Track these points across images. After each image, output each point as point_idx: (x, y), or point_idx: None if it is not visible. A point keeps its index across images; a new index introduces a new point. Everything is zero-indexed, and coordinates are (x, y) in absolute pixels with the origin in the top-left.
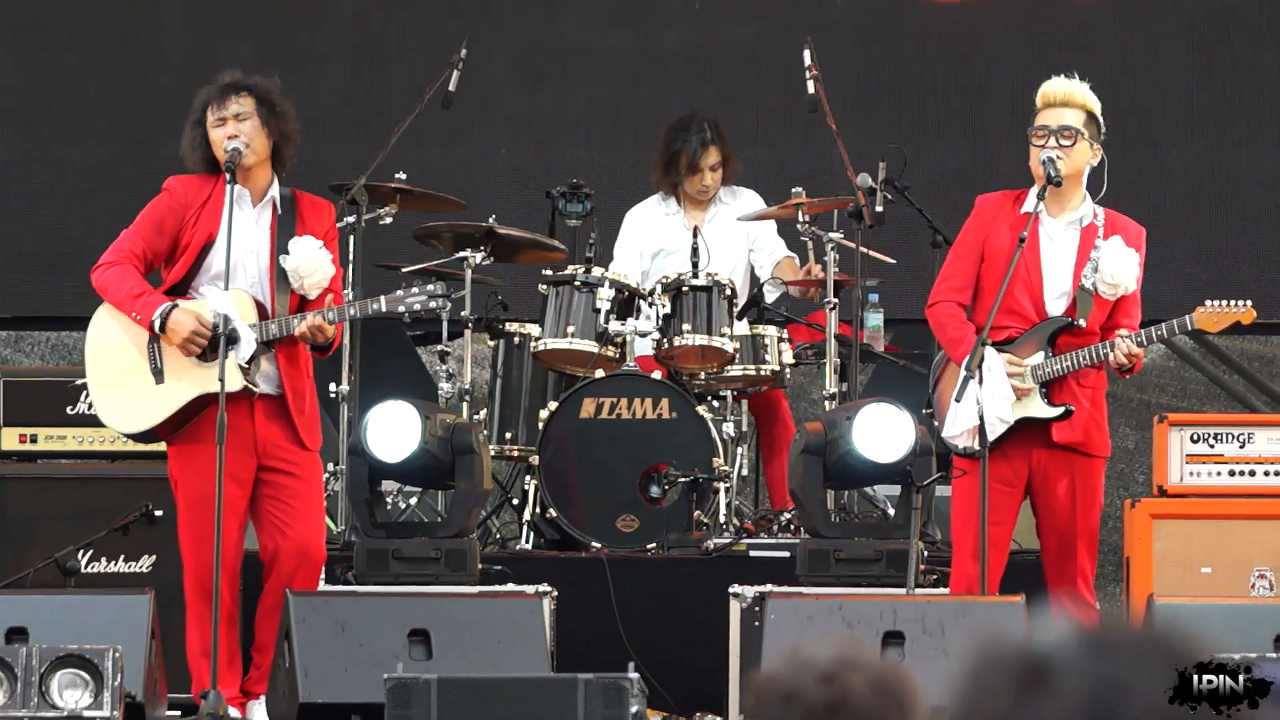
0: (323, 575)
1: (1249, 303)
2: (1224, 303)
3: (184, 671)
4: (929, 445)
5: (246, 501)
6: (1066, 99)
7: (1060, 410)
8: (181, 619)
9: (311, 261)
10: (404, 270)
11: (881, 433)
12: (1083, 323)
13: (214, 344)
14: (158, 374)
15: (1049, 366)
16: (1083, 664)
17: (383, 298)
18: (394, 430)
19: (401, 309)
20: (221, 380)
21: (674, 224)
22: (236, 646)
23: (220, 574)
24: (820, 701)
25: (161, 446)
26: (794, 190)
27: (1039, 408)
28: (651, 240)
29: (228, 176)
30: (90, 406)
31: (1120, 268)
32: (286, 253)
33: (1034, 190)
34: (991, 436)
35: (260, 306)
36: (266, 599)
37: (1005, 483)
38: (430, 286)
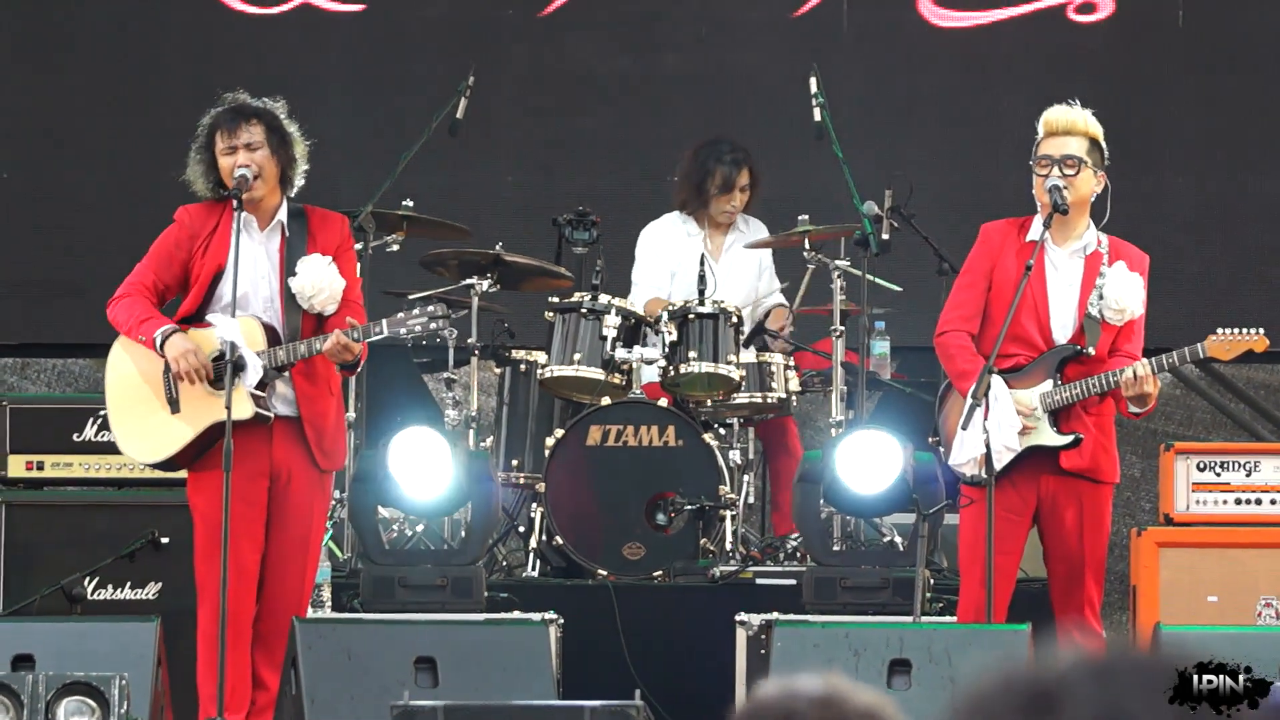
0: (329, 602)
1: (1261, 330)
2: (1236, 331)
3: (190, 698)
4: (934, 473)
5: (262, 526)
6: (1069, 127)
7: (1070, 439)
8: (188, 646)
9: (317, 281)
10: (411, 297)
11: (866, 462)
12: (1091, 351)
13: (221, 374)
14: (173, 404)
15: (1057, 395)
16: (1088, 692)
17: (384, 321)
18: (422, 459)
19: (403, 331)
20: (228, 408)
21: (695, 245)
22: (248, 670)
23: (239, 599)
24: None
25: (169, 474)
26: (800, 218)
27: (1048, 436)
28: (670, 260)
29: (235, 204)
30: (98, 434)
31: (1126, 293)
32: (295, 274)
33: (1039, 218)
34: (998, 465)
35: (271, 331)
36: (262, 626)
37: (1013, 511)
38: (431, 308)
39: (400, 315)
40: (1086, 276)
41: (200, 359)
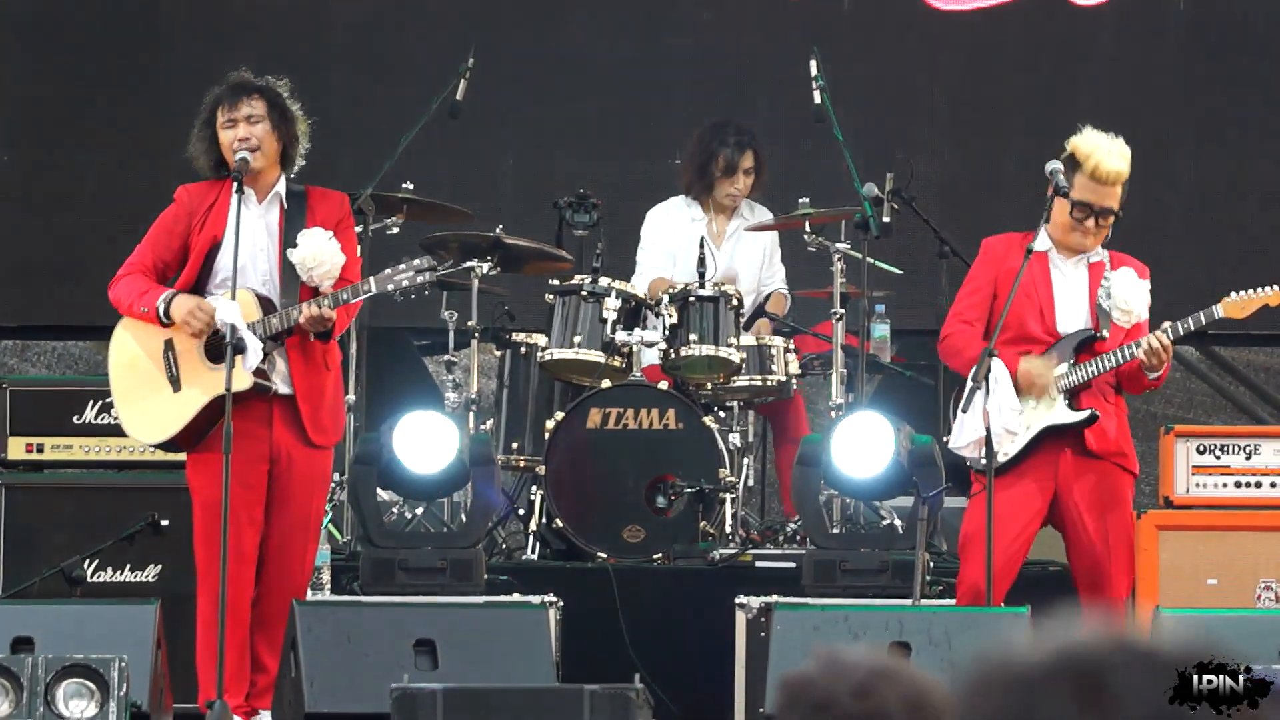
0: (328, 585)
1: (1276, 286)
2: (1249, 290)
3: (190, 681)
4: (931, 456)
5: (261, 509)
6: (1117, 178)
7: (1085, 414)
8: (188, 629)
9: (319, 253)
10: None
11: (861, 445)
12: (1105, 334)
13: (221, 350)
14: (174, 383)
15: (1073, 375)
16: (1145, 687)
17: (372, 279)
18: (428, 441)
19: (390, 286)
20: (228, 390)
21: (698, 229)
22: (247, 653)
23: (238, 581)
24: (853, 714)
25: (169, 456)
26: (800, 201)
27: (1063, 414)
28: (674, 244)
29: (235, 185)
30: (99, 417)
31: (1132, 294)
32: (294, 246)
33: (1043, 232)
34: (997, 448)
35: (266, 302)
36: (261, 609)
37: (1029, 495)
38: (416, 261)
39: (388, 271)
40: (1091, 282)
41: (207, 312)
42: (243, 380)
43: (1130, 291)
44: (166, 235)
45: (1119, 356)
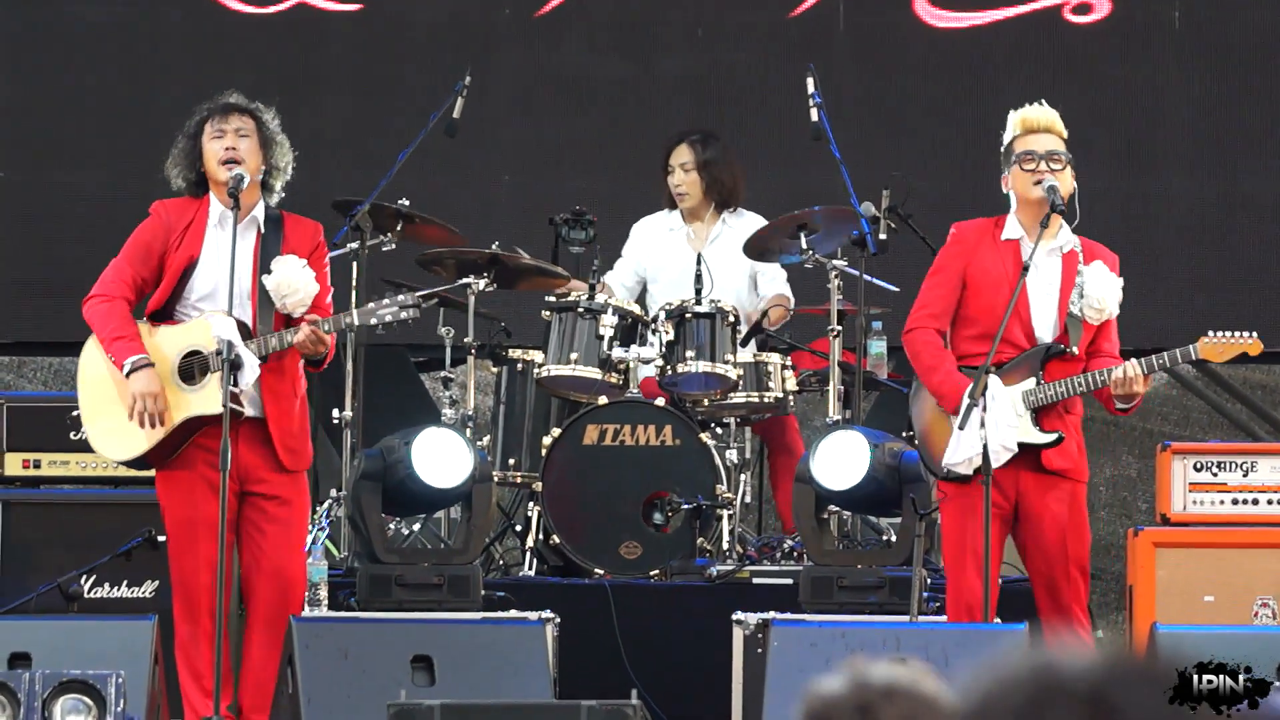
0: (325, 601)
1: (1255, 334)
2: (1229, 334)
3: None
4: (917, 472)
5: (231, 522)
6: (1049, 125)
7: (1053, 437)
8: None
9: (291, 280)
10: (417, 294)
11: (837, 459)
12: (1075, 350)
13: (203, 368)
14: None
15: (1040, 393)
16: (1147, 699)
17: (355, 311)
18: (444, 458)
19: (374, 321)
20: (225, 406)
21: (674, 241)
22: (228, 665)
23: (203, 592)
24: None
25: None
26: None
27: (1031, 434)
28: (648, 257)
29: (232, 202)
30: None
31: (1106, 292)
32: (269, 272)
33: (1012, 216)
34: (996, 463)
35: (244, 327)
36: (248, 629)
37: (994, 508)
38: (401, 297)
39: (370, 305)
40: (1065, 275)
41: (159, 405)
42: (214, 404)
43: (1103, 289)
44: (145, 251)
45: (1090, 382)
